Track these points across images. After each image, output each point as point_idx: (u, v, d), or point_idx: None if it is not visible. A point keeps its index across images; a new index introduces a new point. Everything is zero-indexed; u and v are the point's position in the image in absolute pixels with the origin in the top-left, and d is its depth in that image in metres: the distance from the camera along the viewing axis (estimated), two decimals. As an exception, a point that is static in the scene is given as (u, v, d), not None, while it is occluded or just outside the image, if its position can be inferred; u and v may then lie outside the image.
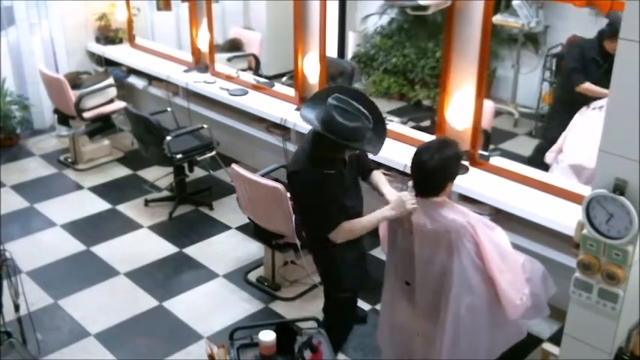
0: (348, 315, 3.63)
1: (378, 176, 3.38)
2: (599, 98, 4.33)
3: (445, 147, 2.95)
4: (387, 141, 3.59)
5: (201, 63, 5.87)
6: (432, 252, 2.94)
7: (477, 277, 2.91)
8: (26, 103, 6.49)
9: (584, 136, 4.24)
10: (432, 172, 2.91)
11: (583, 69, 4.48)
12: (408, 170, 3.21)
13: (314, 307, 4.03)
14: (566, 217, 3.45)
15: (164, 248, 4.78)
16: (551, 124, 4.92)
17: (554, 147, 4.45)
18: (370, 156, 3.35)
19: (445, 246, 2.90)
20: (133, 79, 6.36)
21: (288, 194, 3.71)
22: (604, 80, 4.35)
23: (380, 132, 3.13)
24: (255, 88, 5.42)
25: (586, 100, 4.44)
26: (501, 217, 3.74)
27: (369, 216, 3.15)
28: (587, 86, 4.49)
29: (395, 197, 3.07)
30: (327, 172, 3.06)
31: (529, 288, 3.06)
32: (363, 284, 3.59)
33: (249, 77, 5.64)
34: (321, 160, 3.07)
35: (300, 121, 4.72)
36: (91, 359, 3.77)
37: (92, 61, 6.70)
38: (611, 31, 4.41)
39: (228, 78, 5.63)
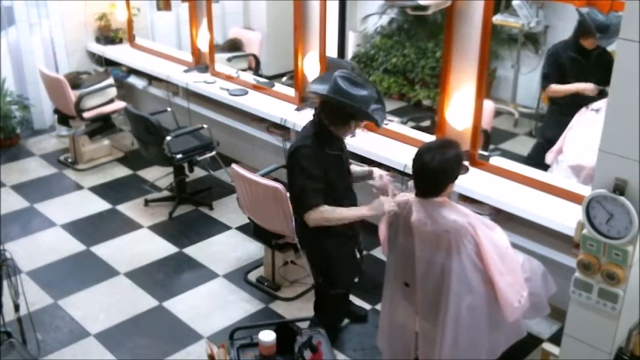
0: (340, 311, 3.64)
1: (355, 167, 3.51)
2: (591, 99, 4.33)
3: (447, 148, 2.96)
4: (388, 141, 3.62)
5: (201, 63, 5.87)
6: (432, 252, 2.94)
7: (477, 277, 2.91)
8: (26, 103, 6.49)
9: (583, 136, 4.24)
10: (434, 173, 2.91)
11: (558, 72, 4.48)
12: (408, 170, 3.22)
13: (314, 307, 4.04)
14: (566, 217, 3.45)
15: (164, 248, 4.78)
16: (548, 123, 4.92)
17: (555, 147, 4.44)
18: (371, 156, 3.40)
19: (445, 246, 2.90)
20: (133, 79, 6.36)
21: (289, 194, 3.71)
22: (589, 76, 4.36)
23: (382, 110, 3.21)
24: (255, 88, 5.42)
25: (576, 98, 4.43)
26: (501, 217, 3.74)
27: (348, 209, 3.22)
28: (553, 88, 4.49)
29: (376, 200, 3.13)
30: (328, 151, 3.17)
31: (528, 288, 3.06)
32: (357, 282, 3.60)
33: (249, 77, 5.64)
34: (324, 139, 3.17)
35: (300, 121, 4.77)
36: (91, 359, 3.77)
37: (92, 61, 6.70)
38: (583, 28, 4.41)
39: (228, 78, 5.63)
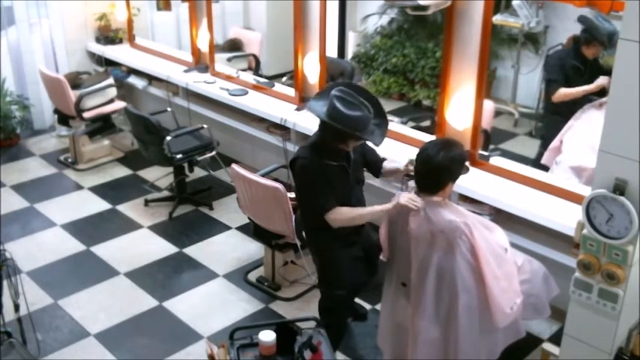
0: (342, 314, 3.63)
1: (388, 163, 3.45)
2: (589, 99, 4.32)
3: (452, 147, 2.99)
4: (387, 141, 3.61)
5: (201, 63, 5.87)
6: (428, 252, 2.95)
7: (472, 277, 2.92)
8: (26, 103, 6.49)
9: (584, 137, 4.23)
10: (435, 169, 2.92)
11: (564, 79, 4.46)
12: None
13: (314, 307, 4.02)
14: (566, 217, 3.45)
15: (164, 248, 4.78)
16: (547, 130, 4.88)
17: (551, 146, 4.43)
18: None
19: (441, 246, 2.91)
20: (133, 79, 6.36)
21: (289, 194, 3.71)
22: (589, 83, 4.34)
23: (382, 126, 3.20)
24: (255, 88, 5.42)
25: (581, 104, 4.41)
26: (501, 217, 3.74)
27: (366, 208, 3.25)
28: (563, 92, 4.45)
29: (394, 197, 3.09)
30: (327, 162, 3.13)
31: (528, 289, 3.06)
32: (361, 286, 3.59)
33: (249, 77, 5.64)
34: (323, 150, 3.16)
35: (300, 121, 4.77)
36: (91, 359, 3.77)
37: (92, 61, 6.70)
38: (586, 38, 4.39)
39: (228, 78, 5.63)
